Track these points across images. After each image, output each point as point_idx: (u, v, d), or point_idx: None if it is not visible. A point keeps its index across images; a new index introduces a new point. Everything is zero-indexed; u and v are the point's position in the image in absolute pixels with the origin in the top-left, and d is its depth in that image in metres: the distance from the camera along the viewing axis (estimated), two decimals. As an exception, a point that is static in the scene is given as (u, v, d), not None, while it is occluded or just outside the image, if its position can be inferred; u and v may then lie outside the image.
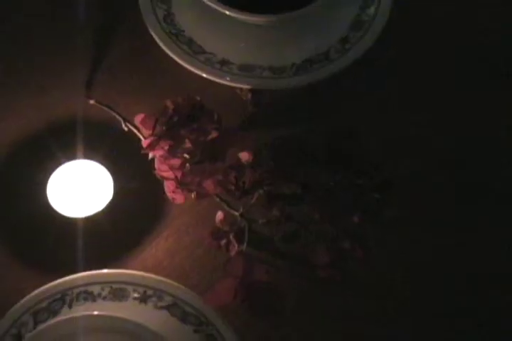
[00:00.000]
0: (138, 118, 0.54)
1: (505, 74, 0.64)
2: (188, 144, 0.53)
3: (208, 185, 0.53)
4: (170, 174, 0.52)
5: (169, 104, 0.54)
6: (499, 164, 0.61)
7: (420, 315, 0.57)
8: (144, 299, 0.55)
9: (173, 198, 0.53)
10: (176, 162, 0.53)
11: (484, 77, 0.65)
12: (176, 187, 0.52)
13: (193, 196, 0.54)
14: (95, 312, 0.53)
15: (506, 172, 0.61)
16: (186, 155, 0.53)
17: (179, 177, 0.52)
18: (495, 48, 0.66)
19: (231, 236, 0.53)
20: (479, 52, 0.65)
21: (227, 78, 0.60)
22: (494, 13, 0.67)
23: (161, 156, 0.53)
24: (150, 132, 0.53)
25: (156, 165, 0.54)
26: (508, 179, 0.61)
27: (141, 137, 0.58)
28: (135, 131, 0.59)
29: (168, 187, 0.53)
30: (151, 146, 0.52)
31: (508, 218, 0.60)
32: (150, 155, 0.54)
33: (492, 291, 0.58)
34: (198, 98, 0.55)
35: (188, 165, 0.53)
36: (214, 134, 0.53)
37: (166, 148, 0.53)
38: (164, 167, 0.52)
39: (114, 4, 0.65)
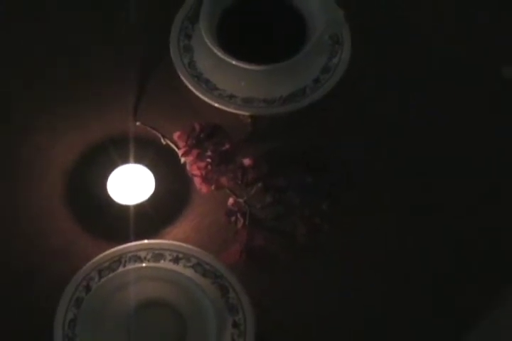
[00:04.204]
0: (176, 135, 0.68)
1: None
2: (210, 152, 0.68)
3: (223, 180, 0.68)
4: (198, 172, 0.67)
5: (196, 125, 0.68)
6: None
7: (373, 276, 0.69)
8: (176, 260, 0.66)
9: (200, 188, 0.68)
10: (202, 164, 0.67)
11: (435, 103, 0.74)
12: (202, 182, 0.67)
13: (212, 188, 0.68)
14: (144, 264, 0.65)
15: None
16: (209, 160, 0.67)
17: (204, 175, 0.67)
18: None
19: (238, 215, 0.68)
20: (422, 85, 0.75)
21: (233, 107, 0.69)
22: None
23: (192, 160, 0.67)
24: (184, 144, 0.67)
25: (187, 167, 0.68)
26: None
27: (174, 148, 0.70)
28: (170, 144, 0.71)
29: (197, 181, 0.68)
30: (185, 153, 0.67)
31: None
32: (182, 160, 0.69)
33: (444, 257, 0.70)
34: (216, 121, 0.69)
35: (209, 166, 0.67)
36: (227, 146, 0.68)
37: (195, 154, 0.67)
38: (194, 168, 0.67)
39: (153, 54, 0.74)
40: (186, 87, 0.70)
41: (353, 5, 0.71)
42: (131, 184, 0.69)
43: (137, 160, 0.70)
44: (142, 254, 0.67)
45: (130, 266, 0.66)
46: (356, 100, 0.75)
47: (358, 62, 0.71)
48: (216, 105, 0.69)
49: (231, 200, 0.69)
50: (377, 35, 0.76)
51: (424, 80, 0.76)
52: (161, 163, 0.71)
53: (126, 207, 0.69)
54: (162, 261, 0.67)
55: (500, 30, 0.78)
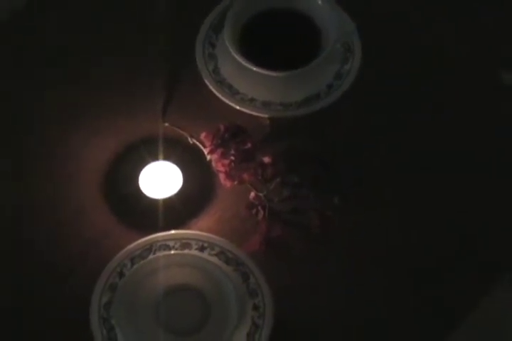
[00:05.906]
0: (202, 135, 0.72)
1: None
2: (233, 151, 0.71)
3: (245, 176, 0.71)
4: (222, 169, 0.71)
5: (221, 126, 0.72)
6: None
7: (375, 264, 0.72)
8: (201, 249, 0.69)
9: (224, 184, 0.72)
10: (226, 162, 0.71)
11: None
12: (226, 177, 0.71)
13: (235, 183, 0.71)
14: (172, 252, 0.69)
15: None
16: (232, 158, 0.71)
17: (228, 171, 0.71)
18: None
19: (259, 208, 0.72)
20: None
21: (253, 110, 0.72)
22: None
23: (217, 158, 0.71)
24: (210, 143, 0.71)
25: (213, 164, 0.72)
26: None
27: (201, 147, 0.73)
28: (197, 143, 0.74)
29: (221, 177, 0.72)
30: (211, 152, 0.71)
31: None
32: (208, 158, 0.72)
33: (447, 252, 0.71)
34: (238, 122, 0.72)
35: (233, 164, 0.71)
36: (249, 145, 0.71)
37: (220, 153, 0.71)
38: (219, 165, 0.71)
39: (179, 61, 0.77)
40: (211, 91, 0.74)
41: (352, 2, 0.73)
42: (160, 179, 0.72)
43: (166, 158, 0.73)
44: (171, 243, 0.70)
45: (159, 254, 0.69)
46: (358, 96, 0.75)
47: (367, 69, 0.74)
48: (238, 108, 0.73)
49: (252, 194, 0.73)
50: (378, 32, 0.76)
51: (427, 75, 0.77)
52: (188, 160, 0.74)
53: (155, 201, 0.73)
54: (188, 250, 0.70)
55: (503, 25, 0.78)
